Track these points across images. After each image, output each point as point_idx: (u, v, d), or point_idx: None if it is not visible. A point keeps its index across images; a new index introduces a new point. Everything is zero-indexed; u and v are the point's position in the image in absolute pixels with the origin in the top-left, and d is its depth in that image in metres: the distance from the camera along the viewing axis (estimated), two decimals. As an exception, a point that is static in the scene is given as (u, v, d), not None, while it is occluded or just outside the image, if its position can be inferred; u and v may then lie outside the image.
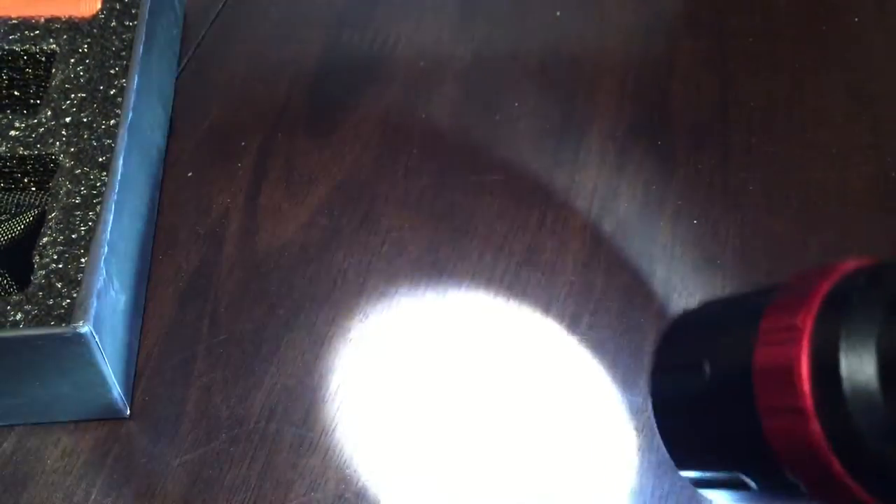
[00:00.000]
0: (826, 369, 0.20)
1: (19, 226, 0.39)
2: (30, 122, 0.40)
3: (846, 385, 0.19)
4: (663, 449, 0.36)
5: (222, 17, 0.51)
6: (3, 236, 0.38)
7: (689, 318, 0.26)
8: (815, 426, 0.20)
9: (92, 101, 0.40)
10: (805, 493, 0.22)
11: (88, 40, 0.43)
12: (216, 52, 0.50)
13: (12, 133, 0.39)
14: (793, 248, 0.41)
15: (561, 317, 0.40)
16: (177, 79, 0.48)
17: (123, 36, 0.43)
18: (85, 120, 0.40)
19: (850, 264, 0.21)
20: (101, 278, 0.35)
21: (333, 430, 0.37)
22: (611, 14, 0.52)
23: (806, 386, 0.20)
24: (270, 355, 0.39)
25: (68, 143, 0.39)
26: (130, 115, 0.40)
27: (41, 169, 0.39)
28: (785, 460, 0.21)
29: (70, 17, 0.43)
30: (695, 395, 0.24)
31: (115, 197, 0.37)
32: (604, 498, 0.35)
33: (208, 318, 0.40)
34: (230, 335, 0.39)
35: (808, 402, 0.20)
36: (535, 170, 0.45)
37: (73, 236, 0.36)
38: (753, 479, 0.23)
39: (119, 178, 0.38)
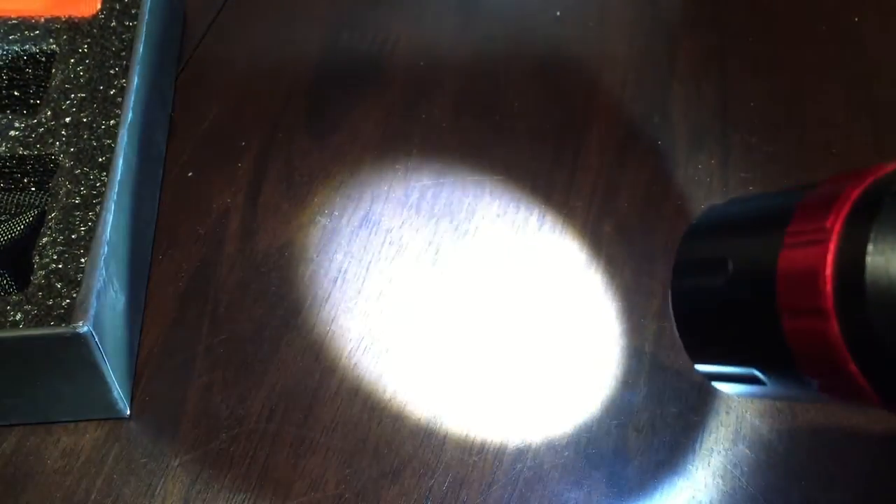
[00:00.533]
0: (851, 272, 0.20)
1: (19, 226, 0.39)
2: (30, 122, 0.40)
3: (870, 288, 0.19)
4: (664, 450, 0.36)
5: (222, 17, 0.52)
6: (2, 236, 0.39)
7: (715, 213, 0.26)
8: (835, 328, 0.20)
9: (92, 101, 0.40)
10: (816, 391, 0.22)
11: (88, 40, 0.43)
12: (216, 52, 0.50)
13: (12, 133, 0.39)
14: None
15: (561, 317, 0.40)
16: (177, 79, 0.48)
17: (123, 36, 0.43)
18: (85, 120, 0.40)
19: (884, 168, 0.21)
20: (101, 278, 0.35)
21: (333, 430, 0.37)
22: (611, 14, 0.52)
23: (829, 287, 0.20)
24: (270, 355, 0.39)
25: (68, 144, 0.39)
26: (130, 115, 0.40)
27: (41, 169, 0.39)
28: (802, 360, 0.21)
29: (70, 18, 0.43)
30: (716, 291, 0.24)
31: (115, 197, 0.37)
32: (603, 498, 0.35)
33: (208, 318, 0.40)
34: (230, 335, 0.39)
35: (830, 303, 0.20)
36: (535, 170, 0.45)
37: (73, 236, 0.36)
38: (767, 376, 0.23)
39: (119, 178, 0.38)
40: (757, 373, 0.23)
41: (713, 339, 0.25)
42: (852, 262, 0.20)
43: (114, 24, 0.43)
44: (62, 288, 0.35)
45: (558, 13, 0.52)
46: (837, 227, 0.20)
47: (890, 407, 0.20)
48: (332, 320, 0.40)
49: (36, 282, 0.35)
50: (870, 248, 0.20)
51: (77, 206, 0.37)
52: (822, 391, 0.21)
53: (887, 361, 0.20)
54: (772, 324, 0.22)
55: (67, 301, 0.34)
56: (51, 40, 0.42)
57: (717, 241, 0.25)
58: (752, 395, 0.25)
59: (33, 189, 0.40)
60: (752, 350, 0.23)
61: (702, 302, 0.25)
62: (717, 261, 0.24)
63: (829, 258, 0.20)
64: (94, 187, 0.38)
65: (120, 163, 0.38)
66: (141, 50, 0.42)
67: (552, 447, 0.36)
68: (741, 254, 0.23)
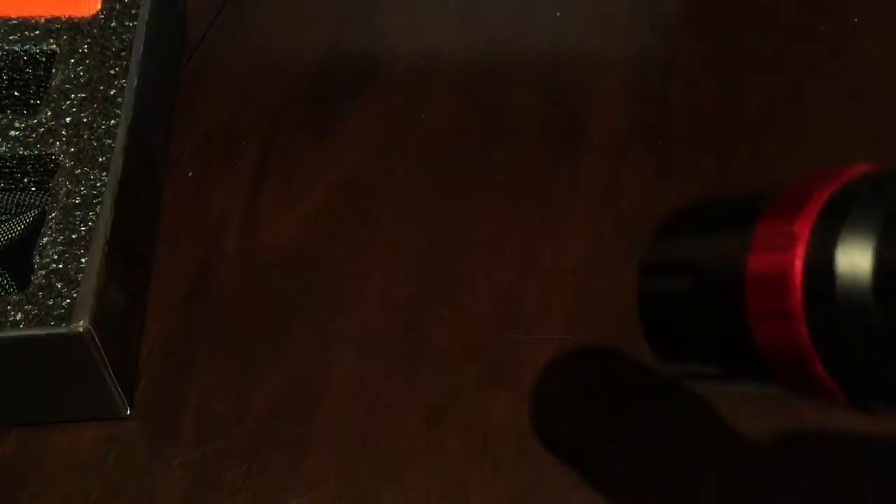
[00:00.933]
0: (820, 276, 0.20)
1: (19, 226, 0.39)
2: (30, 122, 0.40)
3: (839, 293, 0.19)
4: (664, 449, 0.36)
5: (222, 17, 0.52)
6: (3, 236, 0.39)
7: (683, 215, 0.26)
8: (804, 332, 0.20)
9: (92, 101, 0.40)
10: (784, 391, 0.22)
11: (88, 40, 0.43)
12: (216, 52, 0.50)
13: (12, 133, 0.39)
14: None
15: (561, 317, 0.40)
16: (177, 79, 0.48)
17: (123, 36, 0.43)
18: (85, 120, 0.40)
19: (853, 170, 0.21)
20: (102, 278, 0.35)
21: (333, 430, 0.37)
22: (611, 14, 0.52)
23: (798, 292, 0.20)
24: (270, 355, 0.39)
25: (68, 144, 0.39)
26: (130, 115, 0.40)
27: (41, 169, 0.39)
28: (770, 362, 0.21)
29: (70, 18, 0.43)
30: (683, 293, 0.24)
31: (116, 197, 0.37)
32: (604, 498, 0.35)
33: (208, 318, 0.40)
34: (230, 335, 0.39)
35: (799, 308, 0.20)
36: (535, 170, 0.45)
37: (74, 236, 0.36)
38: (735, 375, 0.23)
39: (119, 178, 0.38)
40: (725, 372, 0.23)
41: (680, 340, 0.25)
42: (821, 267, 0.20)
43: (114, 24, 0.43)
44: (62, 288, 0.35)
45: (558, 13, 0.52)
46: (806, 232, 0.20)
47: (858, 408, 0.21)
48: (332, 320, 0.40)
49: (36, 282, 0.35)
50: (839, 254, 0.19)
51: (77, 206, 0.37)
52: (791, 391, 0.21)
53: (856, 367, 0.20)
54: (740, 327, 0.22)
55: (68, 301, 0.34)
56: (51, 40, 0.42)
57: (685, 242, 0.25)
58: (719, 390, 0.25)
59: (33, 189, 0.40)
60: (720, 351, 0.23)
61: (669, 304, 0.25)
62: (685, 263, 0.24)
63: (798, 263, 0.20)
64: (94, 187, 0.38)
65: (120, 163, 0.38)
66: (141, 50, 0.42)
67: (552, 447, 0.36)
68: (709, 257, 0.23)
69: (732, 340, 0.22)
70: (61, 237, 0.36)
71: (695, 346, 0.24)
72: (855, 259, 0.19)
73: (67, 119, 0.40)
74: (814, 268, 0.20)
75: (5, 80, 0.43)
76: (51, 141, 0.39)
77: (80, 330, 0.33)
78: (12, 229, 0.39)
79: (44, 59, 0.42)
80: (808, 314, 0.20)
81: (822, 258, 0.20)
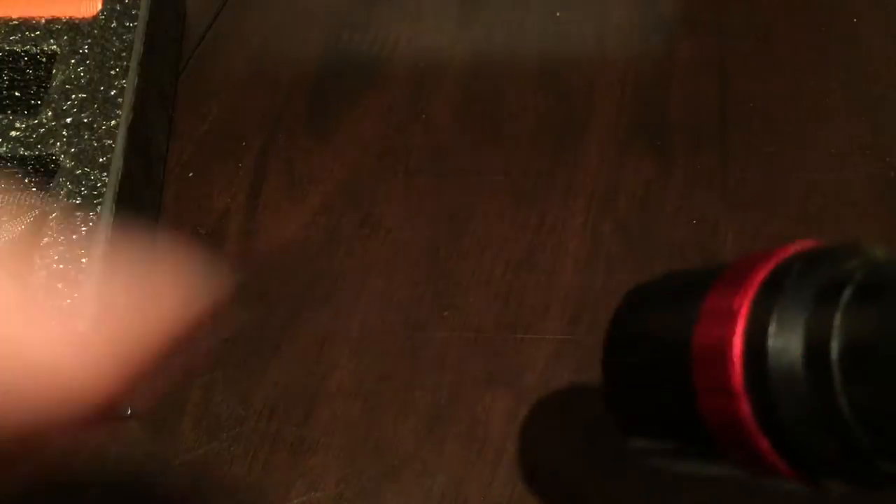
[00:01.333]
0: (756, 353, 0.21)
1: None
2: (30, 122, 0.40)
3: (772, 372, 0.20)
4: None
5: (222, 17, 0.52)
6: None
7: (644, 289, 0.27)
8: (745, 408, 0.21)
9: (92, 101, 0.40)
10: (734, 467, 0.22)
11: (89, 41, 0.43)
12: (216, 52, 0.50)
13: (13, 133, 0.39)
14: (792, 248, 0.41)
15: (560, 317, 0.40)
16: (177, 79, 0.48)
17: (124, 37, 0.43)
18: (85, 120, 0.40)
19: (790, 249, 0.22)
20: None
21: (333, 430, 0.37)
22: (611, 14, 0.52)
23: (738, 369, 0.21)
24: (270, 355, 0.39)
25: (69, 144, 0.39)
26: (131, 115, 0.40)
27: (42, 169, 0.39)
28: (719, 440, 0.22)
29: (71, 18, 0.43)
30: (639, 367, 0.25)
31: (116, 197, 0.37)
32: (605, 498, 0.35)
33: (208, 317, 0.40)
34: (230, 335, 0.39)
35: (740, 384, 0.21)
36: (535, 170, 0.45)
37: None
38: (689, 454, 0.24)
39: (119, 178, 0.38)
40: (679, 448, 0.24)
41: (638, 415, 0.26)
42: (757, 345, 0.20)
43: (114, 24, 0.43)
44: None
45: (558, 13, 0.52)
46: (744, 309, 0.21)
47: (804, 483, 0.21)
48: (332, 320, 0.40)
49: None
50: (772, 330, 0.20)
51: (78, 207, 0.37)
52: (740, 466, 0.22)
53: (798, 444, 0.20)
54: (690, 402, 0.22)
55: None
56: (51, 41, 0.43)
57: (644, 316, 0.26)
58: (678, 470, 0.26)
59: (34, 189, 0.40)
60: (673, 427, 0.24)
61: (627, 378, 0.26)
62: (641, 336, 0.25)
63: (738, 341, 0.21)
64: (94, 188, 0.38)
65: (120, 163, 0.38)
66: (141, 50, 0.42)
67: (553, 447, 0.36)
68: (661, 330, 0.24)
69: (684, 415, 0.23)
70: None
71: (651, 421, 0.25)
72: (788, 335, 0.20)
73: (68, 119, 0.40)
74: (751, 345, 0.21)
75: (6, 80, 0.43)
76: (51, 141, 0.39)
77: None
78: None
79: (44, 59, 0.42)
80: (749, 391, 0.21)
81: (757, 335, 0.20)
